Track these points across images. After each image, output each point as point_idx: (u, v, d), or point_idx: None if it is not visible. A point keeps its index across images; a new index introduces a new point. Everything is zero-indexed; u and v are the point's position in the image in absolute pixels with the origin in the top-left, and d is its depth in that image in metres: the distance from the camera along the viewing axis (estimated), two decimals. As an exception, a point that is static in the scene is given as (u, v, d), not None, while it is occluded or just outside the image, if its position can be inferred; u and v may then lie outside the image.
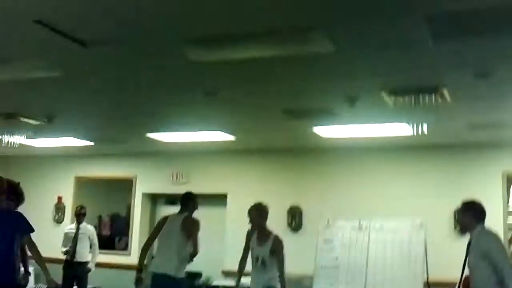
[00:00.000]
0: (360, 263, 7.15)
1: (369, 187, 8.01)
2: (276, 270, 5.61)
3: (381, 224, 7.26)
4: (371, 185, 8.01)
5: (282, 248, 5.69)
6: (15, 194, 5.37)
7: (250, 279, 5.80)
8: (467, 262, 4.74)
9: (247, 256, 5.89)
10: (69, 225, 8.77)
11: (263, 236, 5.76)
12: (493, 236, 4.66)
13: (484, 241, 4.60)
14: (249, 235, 5.92)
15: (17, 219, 5.14)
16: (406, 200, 7.68)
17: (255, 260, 5.73)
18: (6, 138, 7.71)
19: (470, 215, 4.72)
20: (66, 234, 8.41)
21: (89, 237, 8.36)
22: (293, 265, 7.91)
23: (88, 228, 8.45)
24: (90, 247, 8.37)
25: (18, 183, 5.50)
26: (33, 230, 5.18)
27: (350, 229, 7.40)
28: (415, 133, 6.17)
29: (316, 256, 7.47)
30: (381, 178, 8.01)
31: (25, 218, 5.16)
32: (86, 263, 8.29)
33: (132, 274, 8.38)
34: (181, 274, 5.86)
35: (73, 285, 8.22)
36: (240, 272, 5.93)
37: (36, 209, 8.30)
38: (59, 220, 9.78)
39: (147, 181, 9.37)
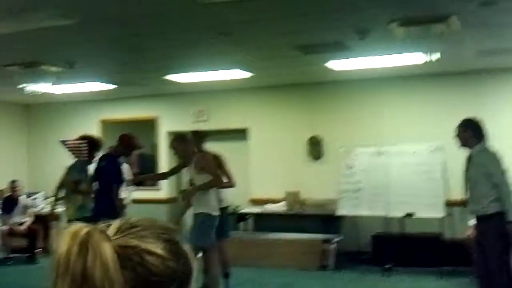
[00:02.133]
0: (381, 185, 7.51)
1: (384, 116, 8.23)
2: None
3: (399, 148, 7.54)
4: (386, 114, 8.24)
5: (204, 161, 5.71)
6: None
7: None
8: (467, 176, 4.94)
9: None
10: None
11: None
12: (494, 155, 4.84)
13: (486, 159, 4.80)
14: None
15: None
16: (422, 127, 7.91)
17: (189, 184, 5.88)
18: (30, 87, 7.58)
19: (470, 132, 4.89)
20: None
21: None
22: (317, 191, 8.31)
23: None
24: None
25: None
26: None
27: (369, 155, 7.71)
28: (428, 60, 6.26)
29: (339, 181, 7.81)
30: (395, 107, 8.22)
31: None
32: (122, 199, 8.64)
33: (163, 207, 8.83)
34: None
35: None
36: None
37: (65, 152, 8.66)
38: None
39: (170, 121, 9.67)
